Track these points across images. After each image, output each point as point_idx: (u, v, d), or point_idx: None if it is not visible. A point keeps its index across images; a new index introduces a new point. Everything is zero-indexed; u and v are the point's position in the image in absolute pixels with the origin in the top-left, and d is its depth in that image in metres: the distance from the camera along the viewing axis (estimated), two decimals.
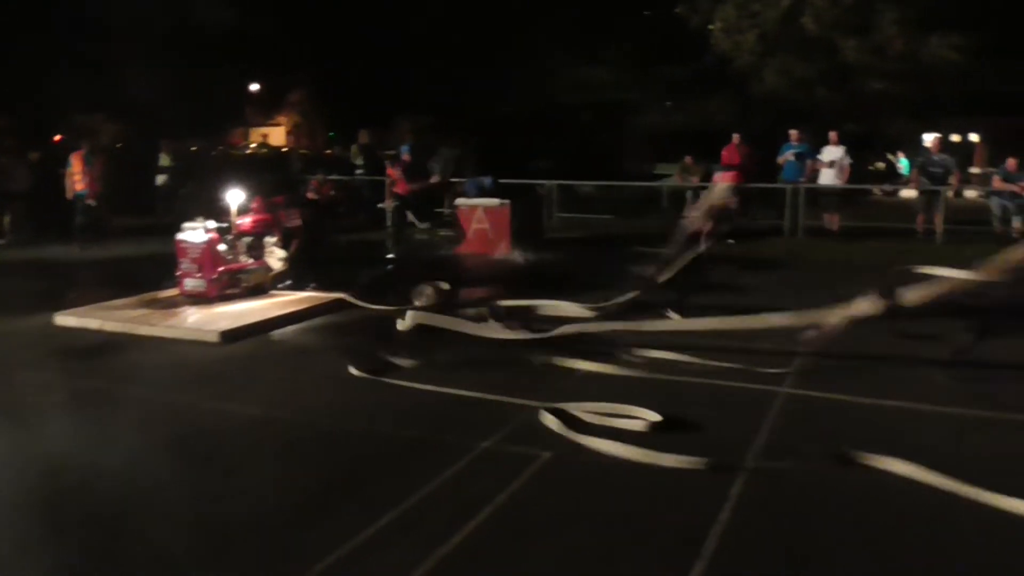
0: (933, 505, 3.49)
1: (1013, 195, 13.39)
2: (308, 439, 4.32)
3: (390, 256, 11.56)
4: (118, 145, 19.67)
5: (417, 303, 7.24)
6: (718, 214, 7.71)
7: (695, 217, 7.71)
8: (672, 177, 18.81)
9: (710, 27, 20.69)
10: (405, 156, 14.97)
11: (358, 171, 16.93)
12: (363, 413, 4.72)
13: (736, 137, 16.08)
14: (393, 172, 13.71)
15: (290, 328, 6.88)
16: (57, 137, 13.26)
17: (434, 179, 13.93)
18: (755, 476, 3.76)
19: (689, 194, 16.66)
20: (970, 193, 18.39)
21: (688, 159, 16.85)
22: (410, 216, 13.19)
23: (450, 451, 4.03)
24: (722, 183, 9.52)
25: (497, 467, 3.86)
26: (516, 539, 3.20)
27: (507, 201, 11.77)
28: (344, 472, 3.86)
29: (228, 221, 7.77)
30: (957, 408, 4.72)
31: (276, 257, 8.18)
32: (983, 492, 3.50)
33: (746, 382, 5.18)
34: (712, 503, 3.46)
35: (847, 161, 14.76)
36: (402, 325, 6.53)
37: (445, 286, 7.56)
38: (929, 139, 16.95)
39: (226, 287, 7.56)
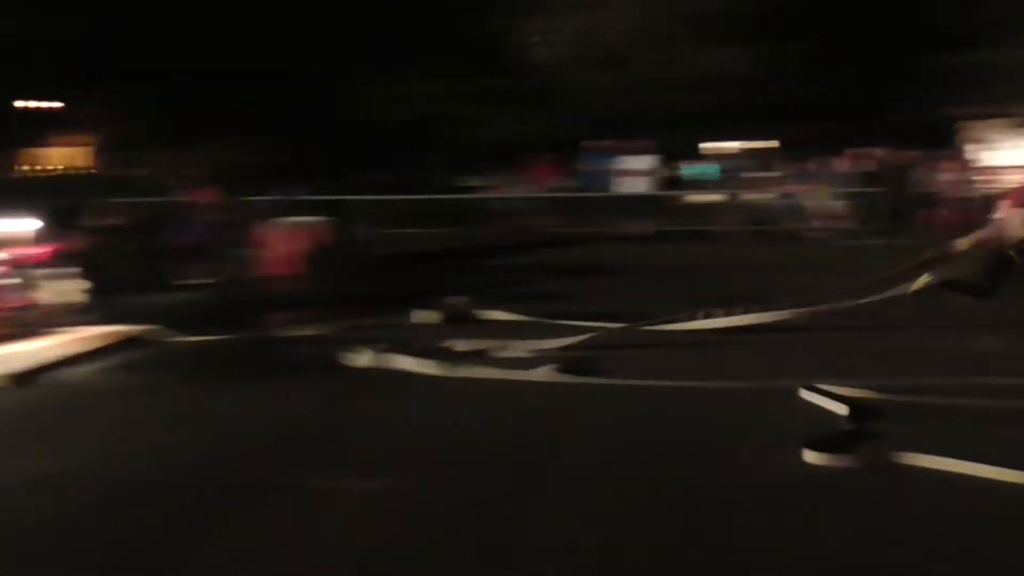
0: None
1: (805, 197, 14.45)
2: (122, 492, 3.84)
3: (195, 282, 10.82)
4: None
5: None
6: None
7: (982, 240, 6.86)
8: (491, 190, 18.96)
9: (520, 40, 21.07)
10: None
11: None
12: (178, 456, 4.31)
13: (544, 154, 16.42)
14: (200, 194, 12.96)
15: (88, 367, 6.28)
16: None
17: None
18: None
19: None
20: (766, 196, 19.67)
21: (506, 172, 17.10)
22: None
23: (277, 492, 3.74)
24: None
25: (328, 506, 3.60)
26: None
27: (320, 219, 11.31)
28: (159, 529, 3.42)
29: (12, 251, 7.05)
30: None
31: (71, 289, 7.48)
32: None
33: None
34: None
35: (655, 169, 15.45)
36: None
37: (465, 300, 7.85)
38: (729, 146, 18.05)
39: (12, 324, 6.82)
